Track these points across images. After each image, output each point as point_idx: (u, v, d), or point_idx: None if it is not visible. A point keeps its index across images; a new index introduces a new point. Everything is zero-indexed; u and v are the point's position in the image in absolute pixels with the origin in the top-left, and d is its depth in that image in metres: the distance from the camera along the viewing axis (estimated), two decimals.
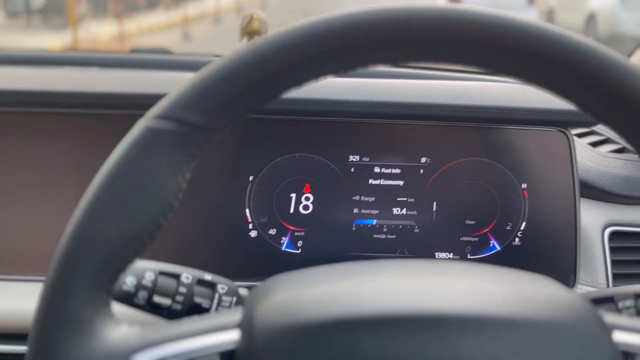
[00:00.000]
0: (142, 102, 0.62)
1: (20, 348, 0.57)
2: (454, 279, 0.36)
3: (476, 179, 0.63)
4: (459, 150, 0.63)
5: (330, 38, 0.35)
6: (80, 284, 0.34)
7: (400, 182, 0.63)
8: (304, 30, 0.36)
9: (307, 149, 0.63)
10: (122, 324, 0.35)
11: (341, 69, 0.37)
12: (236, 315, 0.36)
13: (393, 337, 0.32)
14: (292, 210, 0.64)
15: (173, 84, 0.66)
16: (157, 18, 8.89)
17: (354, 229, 0.64)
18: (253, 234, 0.64)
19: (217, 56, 1.03)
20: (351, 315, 0.34)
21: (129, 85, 0.65)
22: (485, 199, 0.63)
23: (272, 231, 0.64)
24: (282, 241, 0.64)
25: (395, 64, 0.38)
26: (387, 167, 0.63)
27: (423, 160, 0.63)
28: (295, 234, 0.64)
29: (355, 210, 0.63)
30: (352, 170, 0.63)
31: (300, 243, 0.64)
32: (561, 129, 0.62)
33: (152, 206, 0.35)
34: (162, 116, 0.35)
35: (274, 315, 0.34)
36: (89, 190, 0.35)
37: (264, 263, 0.64)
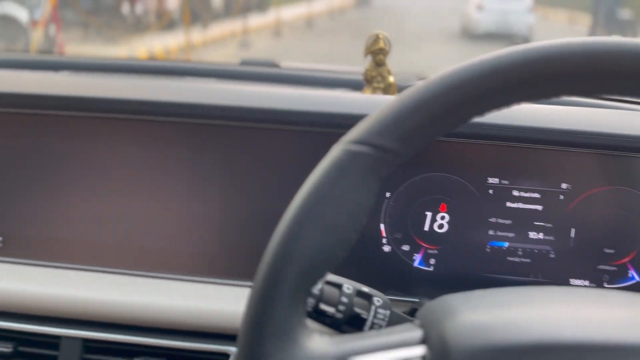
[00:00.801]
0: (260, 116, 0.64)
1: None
2: None
3: (618, 208, 0.62)
4: (601, 177, 0.62)
5: (525, 68, 0.37)
6: (285, 296, 0.36)
7: (539, 207, 0.63)
8: (497, 60, 0.38)
9: (446, 168, 0.64)
10: (315, 334, 0.37)
11: (534, 97, 0.39)
12: (415, 332, 0.38)
13: None
14: (426, 228, 0.65)
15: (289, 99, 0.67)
16: (162, 42, 8.14)
17: (488, 250, 0.64)
18: (386, 249, 0.65)
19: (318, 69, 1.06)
20: (552, 341, 0.34)
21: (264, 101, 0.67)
22: (626, 228, 0.62)
23: (406, 247, 0.65)
24: (414, 258, 0.65)
25: (585, 96, 0.39)
26: (526, 190, 0.63)
27: (564, 186, 0.62)
28: (429, 251, 0.65)
29: (491, 232, 0.64)
30: (490, 192, 0.63)
31: (432, 261, 0.65)
32: None
33: (349, 225, 0.38)
34: (361, 141, 0.38)
35: (467, 336, 0.35)
36: (292, 207, 0.38)
37: (396, 278, 0.66)
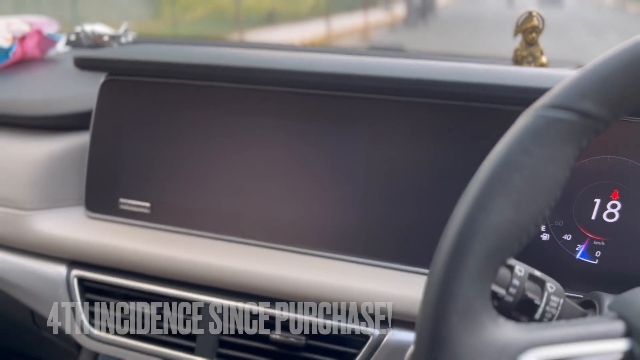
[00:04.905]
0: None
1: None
2: None
3: None
4: None
5: None
6: (473, 273, 0.32)
7: None
8: None
9: (622, 151, 0.57)
10: (500, 318, 0.34)
11: None
12: (616, 324, 0.33)
13: None
14: (593, 217, 0.59)
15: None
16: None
17: None
18: (545, 237, 0.60)
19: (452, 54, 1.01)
20: None
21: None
22: None
23: (567, 237, 0.59)
24: (577, 249, 0.59)
25: None
26: None
27: None
28: (594, 242, 0.59)
29: None
30: None
31: (598, 253, 0.59)
32: None
33: (542, 199, 0.33)
34: (559, 106, 0.34)
35: None
36: (477, 178, 0.34)
37: (554, 270, 0.59)
